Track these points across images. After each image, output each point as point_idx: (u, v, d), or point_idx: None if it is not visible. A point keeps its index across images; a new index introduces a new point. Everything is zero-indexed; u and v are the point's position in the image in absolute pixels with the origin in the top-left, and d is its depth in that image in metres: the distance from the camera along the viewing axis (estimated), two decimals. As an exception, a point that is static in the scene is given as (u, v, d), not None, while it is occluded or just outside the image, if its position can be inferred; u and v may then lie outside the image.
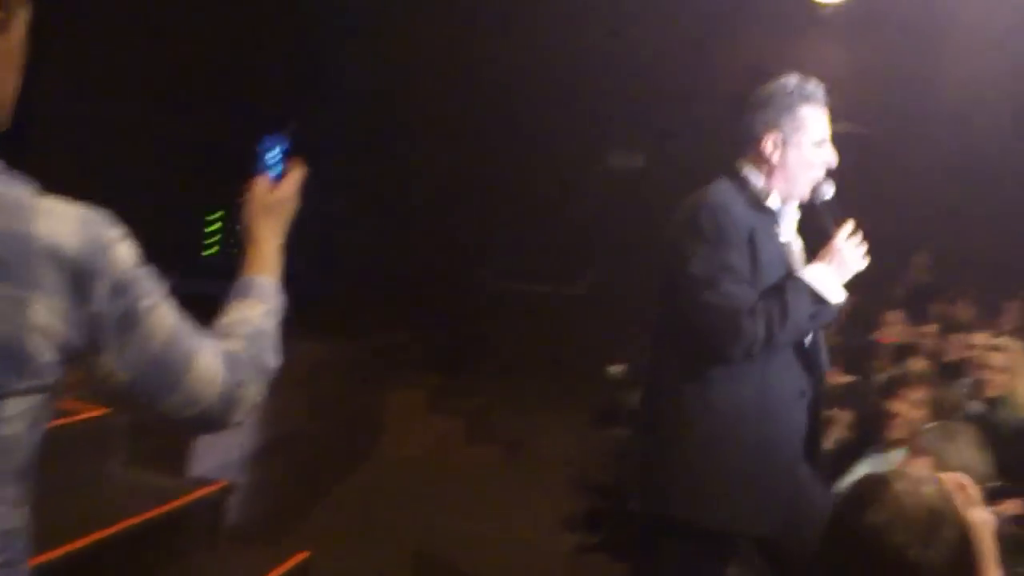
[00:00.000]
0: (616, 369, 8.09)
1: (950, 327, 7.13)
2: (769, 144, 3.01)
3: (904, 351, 6.40)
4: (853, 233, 2.97)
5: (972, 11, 10.02)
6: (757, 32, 11.24)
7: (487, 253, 12.63)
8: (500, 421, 8.96)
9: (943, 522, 1.67)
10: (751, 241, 2.90)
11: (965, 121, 10.87)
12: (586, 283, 12.50)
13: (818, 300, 2.90)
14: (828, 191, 3.04)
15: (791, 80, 3.06)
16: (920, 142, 10.96)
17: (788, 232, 3.08)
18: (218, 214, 11.69)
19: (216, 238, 11.79)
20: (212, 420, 1.57)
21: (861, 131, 11.31)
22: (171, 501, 4.39)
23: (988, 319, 7.49)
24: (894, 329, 7.64)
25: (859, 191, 11.12)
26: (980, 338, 5.54)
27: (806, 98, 3.03)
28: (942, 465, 2.90)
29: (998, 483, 3.28)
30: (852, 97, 11.83)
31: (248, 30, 9.88)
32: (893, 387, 4.50)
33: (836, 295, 2.93)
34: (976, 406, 4.78)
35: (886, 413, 4.39)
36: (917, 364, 5.68)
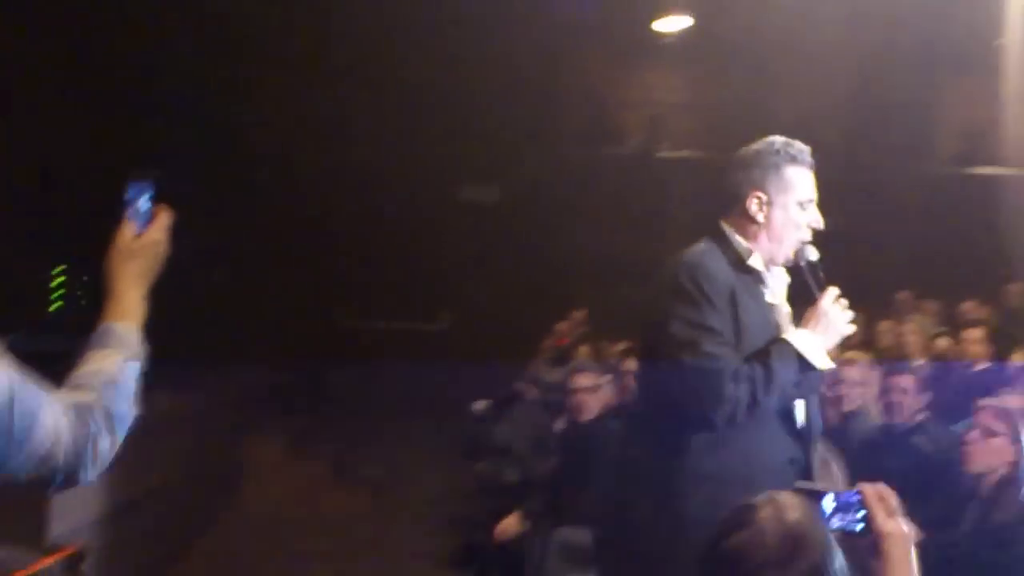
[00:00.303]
0: (480, 405, 8.07)
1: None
2: (754, 204, 2.93)
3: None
4: (838, 297, 2.90)
5: (806, 40, 10.43)
6: (599, 64, 11.48)
7: (343, 292, 12.49)
8: (364, 463, 8.82)
9: (803, 548, 1.69)
10: (733, 302, 2.83)
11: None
12: (447, 319, 12.48)
13: (804, 365, 2.82)
14: (812, 253, 2.97)
15: (777, 139, 2.98)
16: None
17: (776, 294, 3.01)
18: (61, 267, 11.27)
19: (60, 292, 11.37)
20: (64, 477, 1.51)
21: (702, 157, 11.68)
22: (17, 572, 4.15)
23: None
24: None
25: (703, 216, 11.44)
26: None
27: (792, 158, 2.95)
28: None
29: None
30: (693, 124, 12.27)
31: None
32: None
33: (822, 361, 2.85)
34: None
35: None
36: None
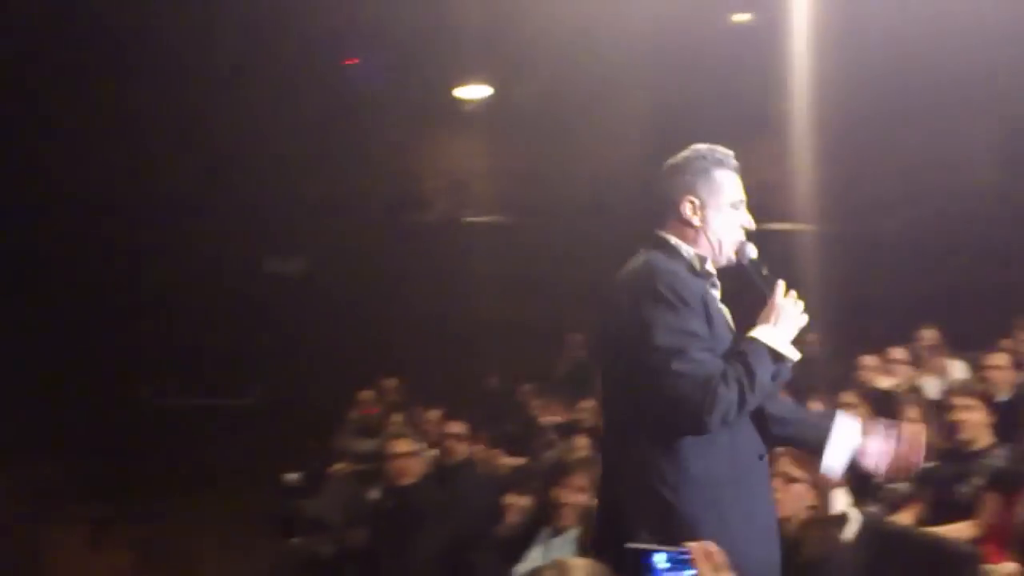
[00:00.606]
0: (292, 477, 7.89)
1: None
2: (687, 207, 2.99)
3: (568, 429, 6.61)
4: (787, 291, 2.95)
5: (599, 106, 10.78)
6: (401, 133, 11.54)
7: (147, 370, 12.04)
8: (174, 546, 8.46)
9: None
10: (705, 307, 2.86)
11: (601, 209, 11.62)
12: (254, 394, 12.17)
13: (777, 359, 2.84)
14: (752, 251, 3.02)
15: (701, 146, 3.07)
16: (561, 230, 11.55)
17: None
18: None
19: None
20: None
21: (506, 222, 11.87)
22: None
23: None
24: (554, 408, 7.92)
25: (510, 279, 11.58)
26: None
27: (719, 162, 3.04)
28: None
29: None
30: (496, 189, 12.46)
31: None
32: (556, 476, 4.60)
33: (792, 352, 2.88)
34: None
35: (553, 501, 4.48)
36: (580, 442, 5.86)
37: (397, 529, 5.17)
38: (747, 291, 3.04)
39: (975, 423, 5.15)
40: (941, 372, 7.37)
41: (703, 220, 2.98)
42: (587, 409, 7.17)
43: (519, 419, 8.15)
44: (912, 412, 5.56)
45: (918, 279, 10.29)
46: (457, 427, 6.42)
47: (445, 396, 8.11)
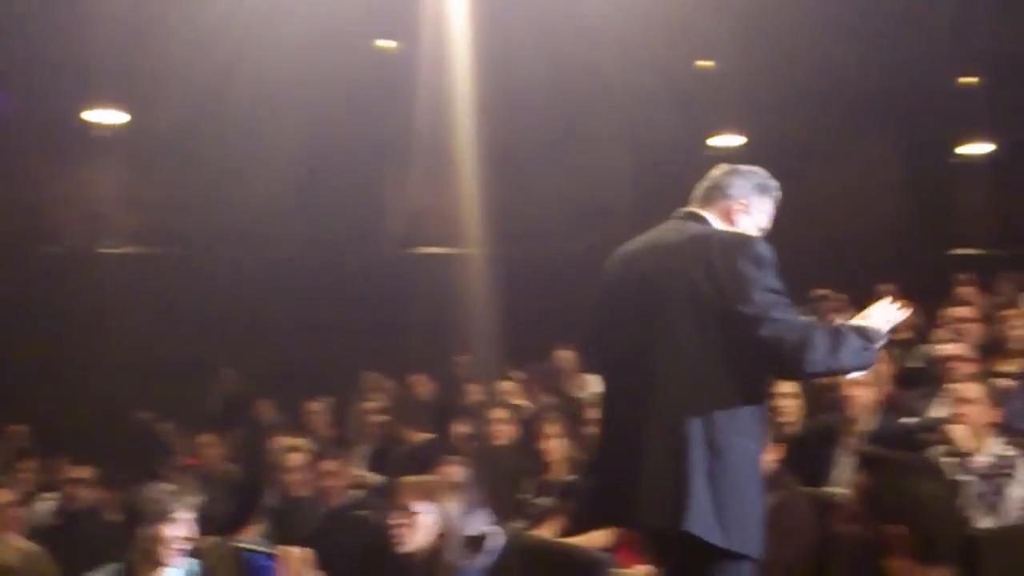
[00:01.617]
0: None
1: (265, 431, 7.44)
2: (738, 207, 3.31)
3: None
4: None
5: (247, 132, 10.49)
6: (31, 161, 10.80)
7: None
8: None
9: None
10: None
11: (256, 239, 11.36)
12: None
13: (864, 336, 3.09)
14: None
15: (767, 173, 3.40)
16: (205, 259, 11.19)
17: None
18: None
19: None
20: None
21: (146, 252, 11.30)
22: None
23: (292, 421, 7.89)
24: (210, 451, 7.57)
25: (150, 312, 10.98)
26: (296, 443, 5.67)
27: (773, 192, 3.39)
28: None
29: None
30: (136, 219, 11.82)
31: None
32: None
33: (879, 336, 3.14)
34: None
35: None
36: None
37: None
38: None
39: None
40: (582, 387, 7.62)
41: (737, 224, 3.32)
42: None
43: (161, 458, 7.78)
44: (552, 429, 5.67)
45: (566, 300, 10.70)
46: (82, 472, 6.16)
47: (78, 440, 7.61)
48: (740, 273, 3.02)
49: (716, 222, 3.31)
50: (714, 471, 3.00)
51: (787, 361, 3.00)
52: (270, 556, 2.02)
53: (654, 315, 3.12)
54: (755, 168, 3.44)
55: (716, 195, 3.35)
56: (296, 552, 1.92)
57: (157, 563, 3.74)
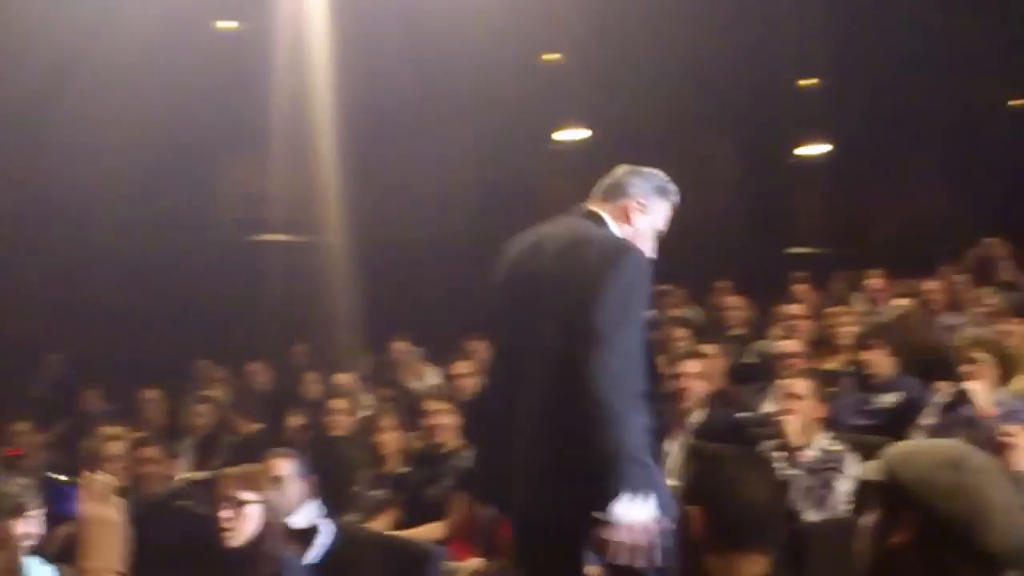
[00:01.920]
0: None
1: (91, 420, 7.24)
2: (634, 205, 3.35)
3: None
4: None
5: (80, 112, 10.13)
6: None
7: None
8: None
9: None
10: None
11: (80, 223, 11.00)
12: None
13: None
14: None
15: (668, 177, 3.44)
16: (30, 246, 10.79)
17: None
18: None
19: None
20: None
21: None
22: None
23: (122, 410, 7.62)
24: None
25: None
26: (117, 432, 5.46)
27: (671, 196, 3.45)
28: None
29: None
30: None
31: None
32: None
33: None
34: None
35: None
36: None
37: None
38: None
39: (446, 426, 5.29)
40: (419, 378, 7.60)
41: (634, 223, 3.35)
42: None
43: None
44: (387, 421, 5.64)
45: (402, 289, 10.67)
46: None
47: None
48: (603, 284, 3.04)
49: (612, 222, 3.35)
50: (580, 466, 2.96)
51: (591, 387, 2.91)
52: (74, 483, 2.14)
53: (530, 309, 3.17)
54: (656, 171, 3.51)
55: (616, 193, 3.41)
56: (99, 478, 1.98)
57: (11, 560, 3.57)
